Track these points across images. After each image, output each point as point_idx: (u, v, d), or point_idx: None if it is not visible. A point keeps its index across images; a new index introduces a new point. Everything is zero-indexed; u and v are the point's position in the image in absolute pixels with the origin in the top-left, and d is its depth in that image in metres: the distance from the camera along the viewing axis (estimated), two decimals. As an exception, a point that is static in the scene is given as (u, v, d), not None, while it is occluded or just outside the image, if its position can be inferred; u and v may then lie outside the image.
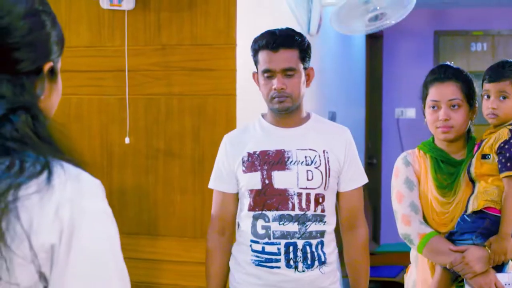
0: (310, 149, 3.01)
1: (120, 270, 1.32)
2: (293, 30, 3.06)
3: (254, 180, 3.00)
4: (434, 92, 3.09)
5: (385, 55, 8.91)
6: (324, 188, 3.00)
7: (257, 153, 3.03)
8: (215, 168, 3.17)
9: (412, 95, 8.48)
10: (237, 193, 3.12)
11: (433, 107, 3.08)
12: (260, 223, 2.99)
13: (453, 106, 3.05)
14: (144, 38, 4.09)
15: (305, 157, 3.00)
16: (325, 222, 3.01)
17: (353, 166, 3.08)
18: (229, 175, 3.10)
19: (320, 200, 2.99)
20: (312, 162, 2.99)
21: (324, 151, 3.02)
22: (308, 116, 3.13)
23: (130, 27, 4.09)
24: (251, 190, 3.01)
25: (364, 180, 3.15)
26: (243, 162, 3.04)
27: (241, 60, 3.94)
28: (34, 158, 1.28)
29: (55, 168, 1.28)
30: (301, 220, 2.96)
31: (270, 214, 2.97)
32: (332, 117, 6.26)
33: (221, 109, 3.96)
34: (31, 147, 1.29)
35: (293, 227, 2.96)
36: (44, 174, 1.27)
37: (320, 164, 3.00)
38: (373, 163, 8.54)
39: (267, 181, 2.98)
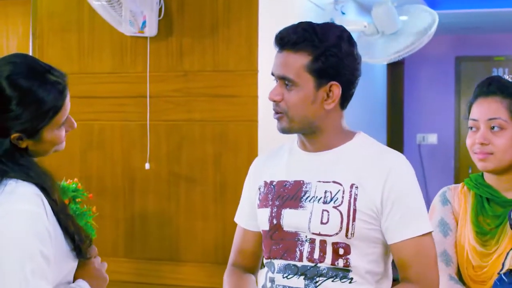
0: (333, 182, 2.21)
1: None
2: (322, 27, 2.19)
3: (263, 218, 2.30)
4: (474, 110, 2.41)
5: (406, 81, 8.90)
6: (346, 235, 2.18)
7: (274, 183, 2.31)
8: (241, 198, 2.52)
9: (433, 120, 8.56)
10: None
11: (471, 127, 2.42)
12: (268, 274, 2.29)
13: (494, 127, 2.36)
14: (166, 65, 4.12)
15: (325, 192, 2.21)
16: (351, 279, 2.19)
17: (402, 208, 2.17)
18: (251, 207, 2.41)
19: (341, 251, 2.19)
20: (331, 199, 2.19)
21: (352, 186, 2.19)
22: (349, 136, 2.28)
23: (152, 54, 4.11)
24: (262, 231, 2.34)
25: (423, 228, 2.19)
26: (260, 193, 2.36)
27: (263, 86, 3.95)
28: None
29: (7, 186, 1.90)
30: (310, 274, 2.20)
31: (276, 263, 2.26)
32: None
33: (242, 136, 3.97)
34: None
35: (297, 282, 2.22)
36: None
37: (342, 203, 2.18)
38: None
39: (275, 221, 2.26)
